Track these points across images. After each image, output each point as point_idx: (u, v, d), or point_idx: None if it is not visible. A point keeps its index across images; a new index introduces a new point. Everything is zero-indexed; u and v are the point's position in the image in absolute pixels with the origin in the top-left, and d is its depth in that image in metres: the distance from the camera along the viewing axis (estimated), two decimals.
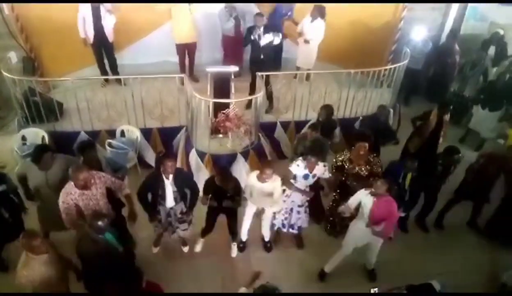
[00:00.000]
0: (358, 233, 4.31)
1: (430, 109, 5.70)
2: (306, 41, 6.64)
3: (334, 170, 4.80)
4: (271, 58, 6.39)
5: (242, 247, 5.02)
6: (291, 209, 4.79)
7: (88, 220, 3.65)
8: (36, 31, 6.36)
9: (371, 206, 4.08)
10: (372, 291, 3.62)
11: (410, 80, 7.37)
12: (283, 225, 4.90)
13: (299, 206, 4.77)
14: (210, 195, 4.41)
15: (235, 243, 4.95)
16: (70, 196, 3.76)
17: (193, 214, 4.61)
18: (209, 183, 4.42)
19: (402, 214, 4.64)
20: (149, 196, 4.27)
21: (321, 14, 6.54)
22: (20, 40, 6.35)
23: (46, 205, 4.25)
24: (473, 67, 7.39)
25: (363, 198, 4.16)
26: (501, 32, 7.46)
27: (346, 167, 4.70)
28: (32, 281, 3.24)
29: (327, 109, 5.44)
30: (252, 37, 6.06)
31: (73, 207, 3.78)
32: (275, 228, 4.97)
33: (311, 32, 6.63)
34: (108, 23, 6.26)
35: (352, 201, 4.27)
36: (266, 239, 5.02)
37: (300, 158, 4.56)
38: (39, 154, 4.06)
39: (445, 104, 5.67)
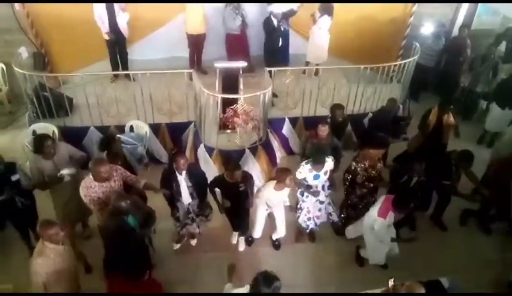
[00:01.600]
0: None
1: (431, 108, 5.61)
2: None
3: (348, 174, 4.81)
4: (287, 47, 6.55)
5: (251, 240, 5.04)
6: (318, 208, 4.85)
7: (112, 201, 3.71)
8: (46, 27, 6.41)
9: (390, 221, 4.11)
10: (390, 282, 3.56)
11: (423, 78, 7.28)
12: (307, 226, 4.92)
13: (320, 203, 4.79)
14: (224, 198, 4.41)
15: (242, 237, 4.96)
16: (90, 190, 3.84)
17: (211, 207, 4.65)
18: (217, 181, 4.42)
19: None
20: None
21: (328, 12, 6.49)
22: (30, 35, 6.41)
23: (63, 193, 4.32)
24: (483, 62, 7.28)
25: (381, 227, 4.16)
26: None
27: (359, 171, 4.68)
28: (46, 270, 3.27)
29: (342, 109, 5.43)
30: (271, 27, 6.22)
31: (96, 199, 3.86)
32: (299, 226, 4.99)
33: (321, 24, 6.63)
34: (122, 19, 6.31)
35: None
36: (277, 236, 4.97)
37: (303, 163, 4.55)
38: (39, 144, 4.14)
39: (445, 104, 5.49)
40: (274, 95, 6.17)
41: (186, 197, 4.33)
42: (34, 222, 4.33)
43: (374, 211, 4.20)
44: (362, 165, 4.62)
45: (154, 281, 4.11)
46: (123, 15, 6.30)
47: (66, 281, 3.47)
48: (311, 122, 5.70)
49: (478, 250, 5.13)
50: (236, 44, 6.93)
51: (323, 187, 4.71)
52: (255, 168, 5.54)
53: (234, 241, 5.03)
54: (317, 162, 4.42)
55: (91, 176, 3.84)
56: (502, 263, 4.92)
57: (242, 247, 4.99)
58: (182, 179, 4.20)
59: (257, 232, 4.88)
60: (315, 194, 4.60)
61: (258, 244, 5.06)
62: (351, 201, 4.92)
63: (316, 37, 6.77)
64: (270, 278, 2.93)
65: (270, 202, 4.48)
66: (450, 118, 5.42)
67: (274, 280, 2.92)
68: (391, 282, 3.55)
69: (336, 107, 5.41)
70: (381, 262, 4.57)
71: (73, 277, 3.63)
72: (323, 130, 4.88)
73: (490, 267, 4.86)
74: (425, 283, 3.95)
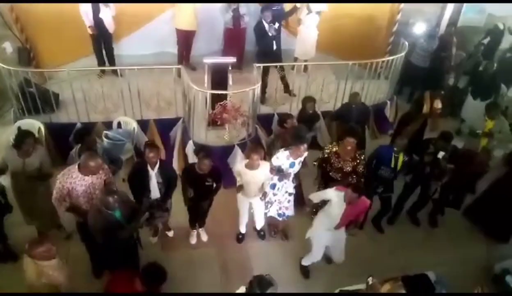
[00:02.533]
0: (324, 235, 4.28)
1: (420, 96, 5.71)
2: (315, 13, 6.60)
3: (320, 161, 4.82)
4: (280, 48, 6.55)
5: (241, 238, 5.04)
6: (288, 200, 4.81)
7: (100, 195, 3.67)
8: (31, 22, 6.31)
9: (341, 212, 3.98)
10: (368, 280, 3.62)
11: (416, 78, 7.32)
12: (279, 215, 4.89)
13: (289, 195, 4.78)
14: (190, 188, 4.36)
15: (202, 228, 4.99)
16: (69, 179, 3.75)
17: (171, 202, 4.61)
18: (187, 171, 4.40)
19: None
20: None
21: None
22: (15, 30, 6.30)
23: (23, 194, 4.28)
24: (469, 59, 7.39)
25: (333, 198, 4.05)
26: (501, 26, 7.41)
27: (331, 160, 4.69)
28: (49, 288, 3.26)
29: (313, 102, 5.47)
30: (262, 31, 6.14)
31: (66, 189, 3.76)
32: (268, 216, 4.93)
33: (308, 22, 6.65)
34: (106, 15, 6.23)
35: (322, 195, 4.24)
36: (258, 227, 5.04)
37: (281, 149, 4.51)
38: (20, 139, 4.09)
39: (437, 88, 5.75)
40: (293, 94, 6.16)
41: (155, 192, 4.26)
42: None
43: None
44: (337, 157, 4.62)
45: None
46: (107, 10, 6.21)
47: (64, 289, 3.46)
48: (300, 118, 5.73)
49: (462, 244, 5.21)
50: (229, 38, 6.97)
51: (292, 178, 4.68)
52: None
53: (193, 241, 4.99)
54: (301, 141, 4.35)
55: (76, 166, 3.77)
56: (487, 256, 5.00)
57: (205, 237, 5.00)
58: (153, 175, 4.16)
59: (242, 225, 4.91)
60: (286, 176, 4.56)
61: (247, 240, 5.07)
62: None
63: (303, 34, 6.80)
64: (265, 282, 3.00)
65: (243, 178, 4.41)
66: (439, 104, 5.62)
67: (269, 285, 2.99)
68: (370, 280, 3.60)
69: (307, 100, 5.46)
70: (317, 258, 4.47)
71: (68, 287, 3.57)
72: (291, 124, 4.92)
73: (475, 261, 4.95)
74: (412, 276, 4.04)
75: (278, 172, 4.53)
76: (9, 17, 6.19)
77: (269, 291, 2.98)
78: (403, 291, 3.80)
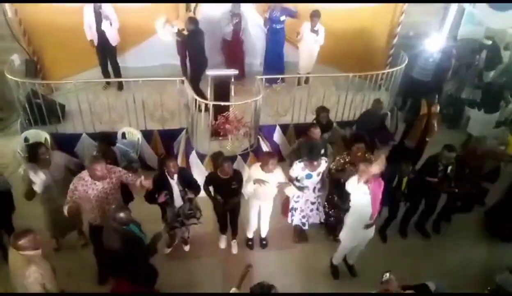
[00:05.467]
0: (357, 232, 4.36)
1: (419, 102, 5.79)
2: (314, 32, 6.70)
3: (335, 171, 4.86)
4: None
5: (251, 244, 5.12)
6: (310, 209, 4.93)
7: (110, 214, 3.69)
8: (38, 34, 6.43)
9: (369, 199, 4.07)
10: (384, 276, 3.60)
11: (418, 92, 7.32)
12: (303, 224, 5.00)
13: (312, 203, 4.88)
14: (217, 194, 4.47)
15: (235, 240, 5.05)
16: (81, 182, 3.85)
17: (200, 210, 4.69)
18: (211, 177, 4.50)
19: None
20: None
21: (318, 16, 6.60)
22: (22, 42, 6.43)
23: (57, 206, 4.27)
24: (468, 69, 7.46)
25: (353, 192, 4.12)
26: (489, 42, 7.48)
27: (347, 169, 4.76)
28: (40, 272, 3.27)
29: (327, 112, 5.58)
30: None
31: (78, 192, 3.83)
32: (294, 224, 5.04)
33: (313, 39, 6.74)
34: (108, 27, 6.32)
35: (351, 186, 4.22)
36: (263, 235, 5.11)
37: (296, 161, 4.61)
38: (33, 151, 4.18)
39: (433, 94, 5.80)
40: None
41: (178, 201, 4.37)
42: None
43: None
44: (347, 159, 4.73)
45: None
46: (110, 23, 6.29)
47: (54, 279, 3.48)
48: (301, 129, 5.81)
49: (465, 254, 5.25)
50: (228, 50, 7.08)
51: (314, 188, 4.79)
52: (246, 174, 5.60)
53: (223, 246, 5.07)
54: (312, 158, 4.45)
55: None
56: (488, 267, 5.02)
57: (235, 250, 5.06)
58: (174, 183, 4.26)
59: (250, 231, 5.00)
60: (300, 189, 4.66)
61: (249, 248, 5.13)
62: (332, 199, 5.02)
63: (305, 51, 6.91)
64: (265, 288, 3.06)
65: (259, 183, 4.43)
66: (436, 109, 5.72)
67: (270, 289, 3.05)
68: (387, 275, 3.57)
69: (320, 110, 5.56)
70: (348, 247, 4.56)
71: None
72: (316, 132, 4.97)
73: (476, 271, 4.98)
74: (412, 286, 4.07)
75: (296, 181, 4.63)
76: (17, 30, 6.33)
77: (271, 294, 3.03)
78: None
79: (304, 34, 6.72)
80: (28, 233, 3.27)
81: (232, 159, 5.56)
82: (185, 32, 6.31)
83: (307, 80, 6.59)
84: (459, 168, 5.00)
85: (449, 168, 4.90)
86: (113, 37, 6.47)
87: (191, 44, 6.31)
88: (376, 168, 3.95)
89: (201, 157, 5.60)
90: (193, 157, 5.63)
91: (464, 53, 7.66)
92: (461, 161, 5.05)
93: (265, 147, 6.03)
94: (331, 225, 5.18)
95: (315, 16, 6.55)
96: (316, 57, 6.99)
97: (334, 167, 4.84)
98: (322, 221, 5.08)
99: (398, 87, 6.80)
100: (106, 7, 6.20)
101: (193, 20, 6.16)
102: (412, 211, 5.36)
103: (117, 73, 6.82)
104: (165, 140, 6.03)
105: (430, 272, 4.83)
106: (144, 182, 4.05)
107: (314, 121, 5.48)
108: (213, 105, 5.37)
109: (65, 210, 3.80)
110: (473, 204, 5.72)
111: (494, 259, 5.14)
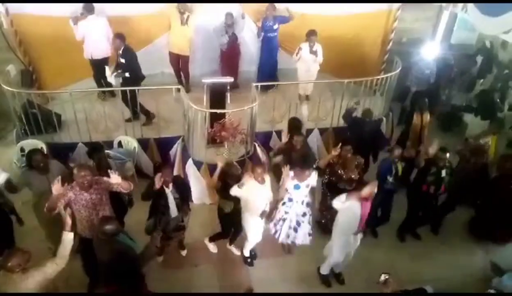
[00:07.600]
0: (347, 242, 4.38)
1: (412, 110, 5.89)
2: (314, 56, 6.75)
3: (323, 172, 4.95)
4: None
5: (250, 262, 5.04)
6: (296, 221, 4.71)
7: (97, 228, 3.63)
8: (34, 45, 6.45)
9: (360, 212, 4.12)
10: (382, 277, 3.58)
11: (414, 101, 7.34)
12: (288, 234, 4.75)
13: (303, 215, 4.66)
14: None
15: (233, 246, 5.08)
16: (72, 189, 3.81)
17: (188, 220, 4.67)
18: (224, 186, 4.46)
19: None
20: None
21: (315, 34, 6.62)
22: (18, 53, 6.44)
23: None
24: (462, 75, 7.53)
25: (349, 208, 4.15)
26: (488, 44, 7.57)
27: (335, 165, 4.89)
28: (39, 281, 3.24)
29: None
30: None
31: (68, 197, 3.77)
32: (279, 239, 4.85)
33: (312, 59, 6.77)
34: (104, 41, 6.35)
35: (338, 204, 4.26)
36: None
37: (287, 168, 4.51)
38: (31, 158, 4.19)
39: (422, 99, 5.93)
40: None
41: (173, 211, 4.33)
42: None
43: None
44: (343, 168, 4.84)
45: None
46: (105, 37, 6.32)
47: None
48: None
49: (461, 258, 5.25)
50: (224, 59, 7.16)
51: (302, 201, 4.62)
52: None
53: (215, 250, 5.08)
54: (305, 167, 4.42)
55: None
56: (484, 271, 5.02)
57: (235, 251, 5.10)
58: (169, 192, 4.23)
59: (247, 249, 4.94)
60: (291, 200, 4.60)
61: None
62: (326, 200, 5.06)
63: (303, 70, 6.91)
64: None
65: (250, 193, 4.37)
66: (428, 115, 5.88)
67: None
68: (383, 277, 3.55)
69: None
70: (338, 260, 4.53)
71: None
72: (298, 141, 4.99)
73: (472, 275, 4.99)
74: (410, 291, 4.07)
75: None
76: (13, 41, 6.35)
77: None
78: None
79: (303, 55, 6.76)
80: (15, 252, 3.18)
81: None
82: (121, 60, 5.94)
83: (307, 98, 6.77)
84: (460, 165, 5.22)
85: (443, 171, 4.93)
86: (107, 49, 6.46)
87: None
88: (367, 191, 4.03)
89: (198, 165, 5.60)
90: (190, 165, 5.63)
91: (460, 59, 7.76)
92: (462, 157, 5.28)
93: (261, 154, 6.05)
94: (325, 225, 5.14)
95: (311, 35, 6.58)
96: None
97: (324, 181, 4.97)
98: (309, 242, 4.83)
99: (392, 93, 6.85)
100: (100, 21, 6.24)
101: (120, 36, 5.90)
102: (412, 217, 5.39)
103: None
104: (162, 149, 6.03)
105: (428, 275, 4.84)
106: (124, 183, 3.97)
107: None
108: (209, 112, 5.38)
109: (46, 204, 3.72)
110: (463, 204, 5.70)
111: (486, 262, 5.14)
